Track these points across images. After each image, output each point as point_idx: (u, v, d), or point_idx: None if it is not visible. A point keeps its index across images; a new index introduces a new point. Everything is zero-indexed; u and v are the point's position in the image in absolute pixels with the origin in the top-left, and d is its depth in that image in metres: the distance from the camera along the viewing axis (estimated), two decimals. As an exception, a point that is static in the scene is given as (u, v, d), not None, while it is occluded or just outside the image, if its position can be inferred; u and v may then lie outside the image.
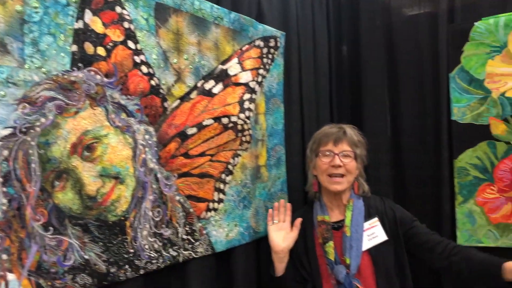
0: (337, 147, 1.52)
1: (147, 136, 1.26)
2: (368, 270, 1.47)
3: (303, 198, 1.90)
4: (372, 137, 2.08)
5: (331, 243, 1.48)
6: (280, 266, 1.51)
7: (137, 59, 1.23)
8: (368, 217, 1.55)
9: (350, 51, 2.25)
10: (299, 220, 1.56)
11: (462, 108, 1.90)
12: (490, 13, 1.86)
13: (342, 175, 1.52)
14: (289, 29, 1.90)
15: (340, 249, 1.48)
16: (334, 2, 2.23)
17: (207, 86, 1.45)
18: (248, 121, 1.62)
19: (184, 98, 1.37)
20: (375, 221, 1.55)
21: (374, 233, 1.52)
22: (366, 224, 1.53)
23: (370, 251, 1.49)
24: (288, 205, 1.64)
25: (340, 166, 1.49)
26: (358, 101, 2.19)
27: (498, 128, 1.83)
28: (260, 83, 1.70)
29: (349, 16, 2.24)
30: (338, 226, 1.53)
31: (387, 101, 2.15)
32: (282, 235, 1.54)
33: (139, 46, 1.24)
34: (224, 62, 1.52)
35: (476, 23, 1.86)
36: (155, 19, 1.28)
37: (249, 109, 1.63)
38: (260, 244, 1.68)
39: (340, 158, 1.50)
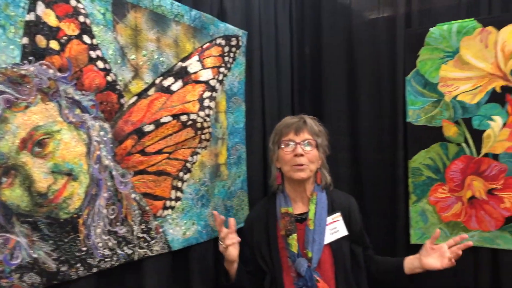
0: (299, 136, 1.51)
1: (102, 133, 1.24)
2: (327, 263, 1.50)
3: (264, 196, 1.92)
4: (331, 136, 2.12)
5: (294, 236, 1.47)
6: (233, 272, 1.48)
7: (93, 54, 1.21)
8: (331, 211, 1.55)
9: (312, 52, 2.29)
10: (232, 221, 1.45)
11: (417, 111, 1.97)
12: (444, 19, 1.94)
13: (304, 164, 1.50)
14: (252, 29, 1.91)
15: (302, 242, 1.48)
16: (297, 3, 2.26)
17: (166, 83, 1.44)
18: (208, 119, 1.62)
19: (141, 94, 1.36)
20: (337, 215, 1.56)
21: (336, 228, 1.54)
22: (329, 218, 1.53)
23: (331, 245, 1.51)
24: (231, 221, 1.46)
25: (302, 155, 1.48)
26: (319, 101, 2.23)
27: (450, 130, 1.90)
28: (221, 82, 1.70)
29: (311, 17, 2.28)
30: (302, 218, 1.52)
31: (347, 101, 2.20)
32: (236, 246, 1.46)
33: (95, 41, 1.21)
34: (184, 59, 1.52)
35: (431, 29, 1.93)
36: (112, 14, 1.26)
37: (209, 107, 1.63)
38: (218, 243, 1.68)
39: (302, 147, 1.49)
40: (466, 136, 1.87)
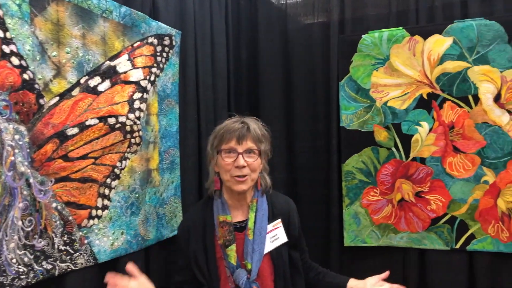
0: (241, 145, 1.37)
1: (17, 136, 1.12)
2: (267, 272, 1.42)
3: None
4: (268, 141, 2.12)
5: (233, 246, 1.37)
6: None
7: (6, 49, 1.09)
8: (272, 218, 1.47)
9: (248, 55, 2.27)
10: (131, 266, 1.25)
11: (350, 115, 2.01)
12: (376, 27, 2.00)
13: (246, 175, 1.39)
14: (186, 28, 1.84)
15: (241, 252, 1.40)
16: (233, 5, 2.22)
17: (92, 83, 1.34)
18: (138, 121, 1.53)
19: (64, 95, 1.25)
20: (278, 222, 1.48)
21: (276, 235, 1.46)
22: (270, 226, 1.45)
23: (271, 253, 1.43)
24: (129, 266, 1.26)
25: (244, 167, 1.37)
26: (256, 104, 2.21)
27: (381, 135, 1.96)
28: (153, 82, 1.62)
29: (247, 20, 2.26)
30: (241, 227, 1.43)
31: (282, 106, 2.20)
32: None
33: (8, 35, 1.09)
34: (112, 58, 1.42)
35: (363, 36, 1.98)
36: (30, 6, 1.14)
37: (140, 109, 1.54)
38: (149, 252, 1.60)
39: (244, 158, 1.37)
40: (396, 140, 1.94)
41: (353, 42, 2.00)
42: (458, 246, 1.85)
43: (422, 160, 1.90)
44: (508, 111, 1.78)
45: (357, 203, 1.99)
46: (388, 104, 1.95)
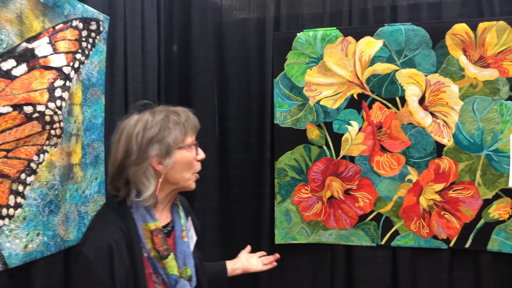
0: (194, 136, 1.26)
1: None
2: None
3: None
4: (200, 137, 2.05)
5: (172, 256, 1.17)
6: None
7: None
8: (186, 216, 1.33)
9: (181, 47, 2.18)
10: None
11: (284, 113, 2.00)
12: (310, 26, 2.01)
13: None
14: (115, 15, 1.72)
15: (176, 260, 1.21)
16: (166, -6, 2.12)
17: (5, 66, 1.19)
18: (59, 112, 1.39)
19: (-30, 78, 1.09)
20: (190, 220, 1.35)
21: (193, 234, 1.34)
22: (189, 224, 1.33)
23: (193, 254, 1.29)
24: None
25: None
26: (188, 99, 2.13)
27: (313, 133, 1.98)
28: (77, 70, 1.48)
29: (180, 11, 2.17)
30: (168, 231, 1.25)
31: (216, 101, 2.15)
32: None
33: None
34: (30, 40, 1.28)
35: (298, 34, 1.98)
36: None
37: (62, 98, 1.40)
38: (69, 254, 1.47)
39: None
40: (327, 139, 1.97)
41: (288, 40, 2.00)
42: (383, 242, 1.93)
43: (352, 159, 1.95)
44: (431, 113, 1.88)
45: (289, 200, 2.00)
46: (321, 103, 1.97)
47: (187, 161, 1.21)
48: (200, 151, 1.25)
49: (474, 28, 1.84)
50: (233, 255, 2.00)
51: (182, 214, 1.28)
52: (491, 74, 1.83)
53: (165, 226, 1.23)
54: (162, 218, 1.24)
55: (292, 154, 2.00)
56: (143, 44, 1.92)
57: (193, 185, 1.26)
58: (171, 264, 1.16)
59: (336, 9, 2.01)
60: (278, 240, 2.00)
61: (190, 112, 1.27)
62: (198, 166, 1.25)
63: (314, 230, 1.98)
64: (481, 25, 1.83)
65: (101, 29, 1.61)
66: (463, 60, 1.85)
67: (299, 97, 1.99)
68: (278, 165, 2.00)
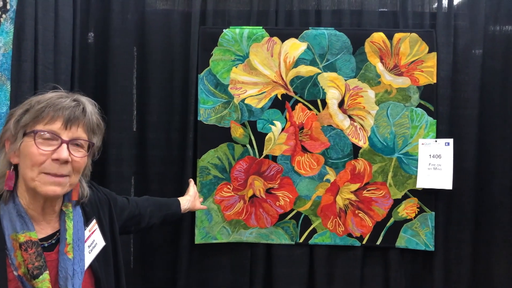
0: (70, 130, 1.00)
1: None
2: None
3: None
4: (116, 131, 1.94)
5: (46, 275, 0.96)
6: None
7: None
8: (86, 221, 1.13)
9: (98, 35, 2.03)
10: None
11: (208, 110, 1.96)
12: (237, 23, 1.99)
13: (65, 175, 1.01)
14: (24, -7, 1.55)
15: (55, 279, 1.00)
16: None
17: None
18: (-46, 98, 1.22)
19: None
20: (93, 224, 1.15)
21: (94, 241, 1.14)
22: (87, 232, 1.11)
23: (92, 266, 1.11)
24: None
25: (67, 162, 0.99)
26: (104, 90, 1.99)
27: (237, 132, 1.97)
28: (-23, 51, 1.31)
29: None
30: (51, 245, 1.03)
31: (135, 94, 2.03)
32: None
33: None
34: None
35: (224, 30, 1.95)
36: None
37: (-42, 83, 1.23)
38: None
39: (69, 150, 1.00)
40: (251, 138, 1.97)
41: (214, 35, 1.96)
42: (301, 240, 1.97)
43: (274, 158, 1.97)
44: (349, 116, 1.96)
45: (210, 199, 1.96)
46: (246, 101, 1.96)
47: (28, 153, 0.97)
48: (60, 149, 0.98)
49: (390, 37, 1.95)
50: (149, 255, 1.94)
51: (70, 224, 1.06)
52: (404, 82, 1.96)
53: (49, 237, 1.04)
54: (45, 226, 1.04)
55: (216, 152, 1.96)
56: (56, 29, 1.76)
57: (43, 189, 0.98)
58: (43, 285, 0.95)
59: (263, 8, 2.01)
60: (198, 240, 1.95)
61: (70, 98, 1.04)
62: (48, 166, 0.97)
63: (235, 229, 1.97)
64: (397, 35, 1.95)
65: (8, 7, 1.45)
66: (379, 67, 1.96)
67: (224, 94, 1.96)
68: (201, 163, 1.95)
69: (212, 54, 1.96)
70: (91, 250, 1.11)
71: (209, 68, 1.96)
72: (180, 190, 1.94)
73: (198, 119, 1.95)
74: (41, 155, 0.96)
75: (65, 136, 0.99)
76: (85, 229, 1.10)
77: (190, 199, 1.72)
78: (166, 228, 1.98)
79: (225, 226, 1.97)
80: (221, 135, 1.96)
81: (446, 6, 1.99)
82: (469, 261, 1.96)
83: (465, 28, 1.99)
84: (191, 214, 1.94)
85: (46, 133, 0.98)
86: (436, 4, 2.01)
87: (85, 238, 1.09)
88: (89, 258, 1.09)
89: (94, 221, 1.15)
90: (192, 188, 1.80)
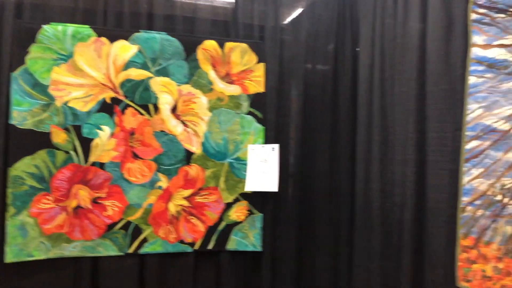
0: None
1: None
2: None
3: None
4: None
5: None
6: None
7: None
8: None
9: None
10: None
11: (23, 113, 1.76)
12: (60, 20, 1.84)
13: None
14: None
15: None
16: None
17: None
18: None
19: None
20: None
21: None
22: None
23: None
24: None
25: None
26: None
27: (59, 137, 1.80)
28: None
29: None
30: None
31: None
32: None
33: None
34: None
35: (44, 26, 1.78)
36: None
37: None
38: None
39: None
40: (75, 143, 1.82)
41: (31, 31, 1.77)
42: (131, 250, 1.88)
43: (102, 165, 1.85)
44: (183, 122, 1.95)
45: (25, 212, 1.75)
46: (69, 104, 1.81)
47: None
48: None
49: (222, 46, 2.01)
50: None
51: None
52: (235, 90, 2.02)
53: None
54: None
55: (33, 159, 1.77)
56: None
57: None
58: None
59: (89, 6, 1.89)
60: (9, 258, 1.72)
61: None
62: None
63: (56, 243, 1.79)
64: (228, 45, 2.01)
65: None
66: (212, 74, 2.00)
67: (43, 96, 1.79)
68: (14, 172, 1.73)
69: (28, 52, 1.77)
70: None
71: (25, 67, 1.76)
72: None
73: (10, 122, 1.74)
74: None
75: None
76: None
77: None
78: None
79: (43, 241, 1.77)
80: (39, 140, 1.77)
81: (274, 20, 2.12)
82: (294, 258, 2.10)
83: (290, 42, 2.15)
84: (0, 229, 1.71)
85: None
86: (265, 18, 2.13)
87: None
88: None
89: None
90: None
